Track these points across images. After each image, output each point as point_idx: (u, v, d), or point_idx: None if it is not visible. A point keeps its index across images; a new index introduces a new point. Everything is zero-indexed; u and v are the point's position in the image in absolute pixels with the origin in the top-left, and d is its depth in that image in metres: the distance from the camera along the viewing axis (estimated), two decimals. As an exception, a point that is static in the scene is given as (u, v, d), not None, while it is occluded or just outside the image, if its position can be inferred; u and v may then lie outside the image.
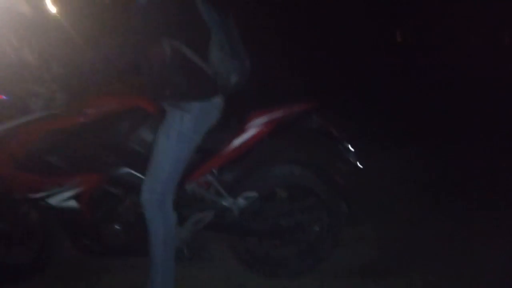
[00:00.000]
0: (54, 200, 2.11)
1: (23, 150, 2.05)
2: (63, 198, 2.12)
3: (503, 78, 7.47)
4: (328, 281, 2.48)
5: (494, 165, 4.13)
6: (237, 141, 2.15)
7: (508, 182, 3.67)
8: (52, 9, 3.12)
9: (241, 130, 2.16)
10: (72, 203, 2.13)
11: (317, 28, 9.62)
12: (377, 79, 8.09)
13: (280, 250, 2.47)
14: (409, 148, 4.67)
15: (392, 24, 11.50)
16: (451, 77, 8.35)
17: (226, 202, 2.25)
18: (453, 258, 2.66)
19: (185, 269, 2.23)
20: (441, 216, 3.22)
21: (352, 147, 2.23)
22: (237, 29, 2.08)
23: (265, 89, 2.23)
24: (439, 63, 8.85)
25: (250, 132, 2.15)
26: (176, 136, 2.01)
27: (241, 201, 2.25)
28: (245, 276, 2.47)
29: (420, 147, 4.70)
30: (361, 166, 2.24)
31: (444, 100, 6.81)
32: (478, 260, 2.57)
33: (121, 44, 1.93)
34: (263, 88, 2.27)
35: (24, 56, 1.96)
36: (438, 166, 4.24)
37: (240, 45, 2.05)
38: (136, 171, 2.16)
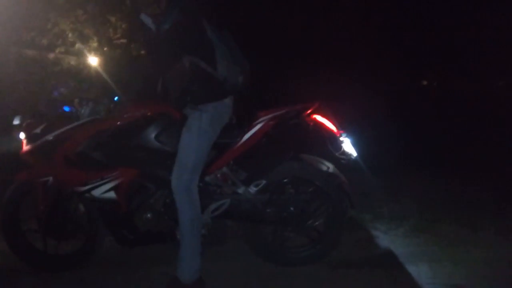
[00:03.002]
0: (97, 192, 2.53)
1: (74, 150, 2.51)
2: (104, 190, 2.53)
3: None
4: (340, 269, 2.71)
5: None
6: (247, 135, 2.53)
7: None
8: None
9: (250, 126, 2.54)
10: (111, 195, 2.53)
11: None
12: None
13: (292, 241, 2.74)
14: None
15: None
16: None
17: (240, 190, 2.59)
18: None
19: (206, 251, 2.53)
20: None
21: (349, 137, 2.54)
22: (234, 40, 2.52)
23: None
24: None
25: (257, 126, 2.52)
26: (197, 130, 2.43)
27: (252, 188, 2.59)
28: (258, 263, 2.75)
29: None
30: (355, 154, 2.54)
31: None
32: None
33: (154, 63, 2.40)
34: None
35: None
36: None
37: (239, 52, 2.50)
38: (165, 167, 2.56)
